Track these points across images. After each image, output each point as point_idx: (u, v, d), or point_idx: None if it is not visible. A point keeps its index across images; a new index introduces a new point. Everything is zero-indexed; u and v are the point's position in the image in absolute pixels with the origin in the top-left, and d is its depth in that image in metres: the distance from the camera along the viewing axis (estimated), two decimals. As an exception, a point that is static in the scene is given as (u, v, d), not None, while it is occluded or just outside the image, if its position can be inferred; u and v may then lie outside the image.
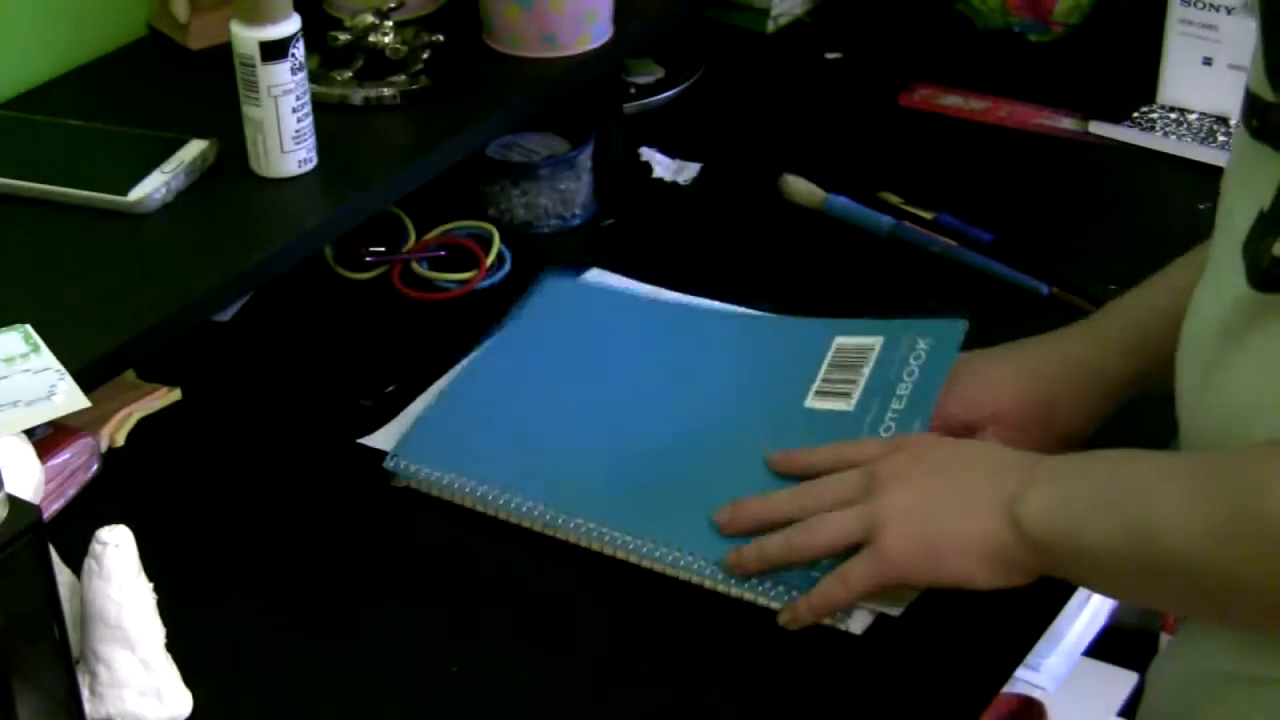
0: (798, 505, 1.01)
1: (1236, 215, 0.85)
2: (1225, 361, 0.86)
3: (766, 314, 1.24)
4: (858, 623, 1.00)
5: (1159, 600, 0.93)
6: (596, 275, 1.34)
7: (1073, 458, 0.94)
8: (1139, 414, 1.10)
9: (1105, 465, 0.92)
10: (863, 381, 1.12)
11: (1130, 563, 0.87)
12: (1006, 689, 1.03)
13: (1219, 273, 0.87)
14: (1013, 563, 0.93)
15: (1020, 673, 1.08)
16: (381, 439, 1.16)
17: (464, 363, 1.21)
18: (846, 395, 1.12)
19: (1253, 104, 0.83)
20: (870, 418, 1.09)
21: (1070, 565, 0.91)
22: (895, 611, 1.01)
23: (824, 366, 1.14)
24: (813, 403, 1.12)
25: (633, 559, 1.05)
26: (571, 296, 1.28)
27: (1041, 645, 1.13)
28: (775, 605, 1.01)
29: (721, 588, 1.02)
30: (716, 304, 1.27)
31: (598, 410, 1.15)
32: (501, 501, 1.09)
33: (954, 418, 1.07)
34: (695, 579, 1.03)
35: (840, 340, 1.16)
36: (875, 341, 1.15)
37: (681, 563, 1.03)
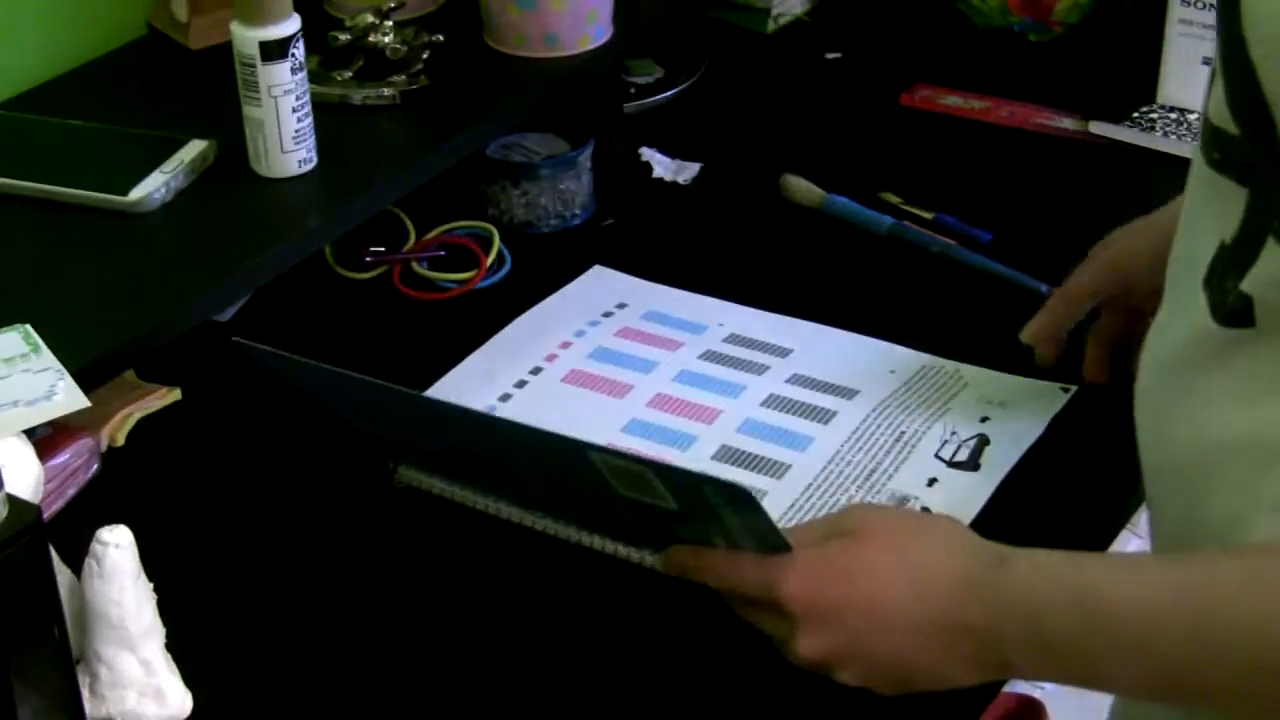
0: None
1: (1197, 245, 0.83)
2: (1189, 394, 0.85)
3: (509, 422, 1.10)
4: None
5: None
6: (598, 275, 1.34)
7: (1007, 584, 0.85)
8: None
9: (1067, 606, 0.82)
10: (666, 493, 0.93)
11: (1161, 700, 0.84)
12: (1006, 689, 1.03)
13: (1180, 301, 0.86)
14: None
15: (1020, 673, 1.09)
16: None
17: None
18: (660, 498, 0.94)
19: (1214, 136, 0.81)
20: (713, 528, 0.93)
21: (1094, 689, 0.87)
22: None
23: (606, 475, 0.94)
24: (627, 494, 0.95)
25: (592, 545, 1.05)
26: (286, 369, 1.07)
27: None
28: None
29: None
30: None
31: (454, 461, 1.08)
32: (481, 499, 1.09)
33: None
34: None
35: (597, 457, 0.93)
36: (641, 470, 0.92)
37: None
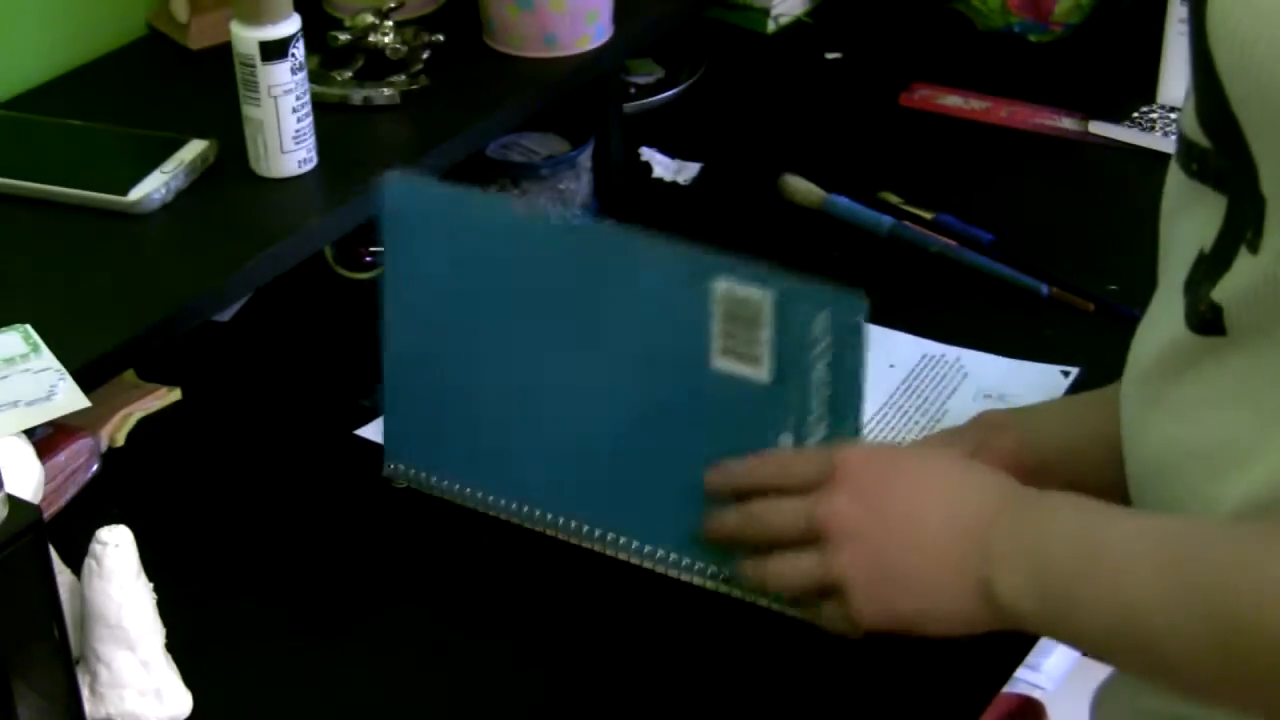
0: (747, 531, 0.97)
1: (1177, 253, 0.84)
2: (1163, 399, 0.85)
3: (632, 238, 1.08)
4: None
5: (1155, 679, 0.87)
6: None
7: (1034, 516, 0.88)
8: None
9: (1072, 536, 0.85)
10: (767, 345, 0.98)
11: (1118, 649, 0.85)
12: (1006, 689, 1.03)
13: (1160, 309, 0.86)
14: (998, 626, 0.90)
15: (1020, 673, 1.08)
16: (377, 430, 1.16)
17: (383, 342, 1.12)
18: (755, 359, 0.99)
19: (1189, 148, 0.81)
20: (793, 402, 0.98)
21: (1061, 641, 0.89)
22: None
23: (716, 319, 0.99)
24: (720, 364, 0.99)
25: (596, 548, 1.04)
26: (420, 211, 1.08)
27: (1042, 645, 1.13)
28: (791, 611, 1.00)
29: (672, 573, 1.02)
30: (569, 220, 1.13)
31: (515, 387, 1.07)
32: (490, 501, 1.08)
33: None
34: (710, 585, 1.03)
35: (723, 287, 0.99)
36: (763, 296, 0.98)
37: (631, 548, 1.03)
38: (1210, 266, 0.80)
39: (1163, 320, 0.85)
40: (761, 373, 0.98)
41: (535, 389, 1.06)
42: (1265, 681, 0.76)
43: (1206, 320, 0.80)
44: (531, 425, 1.06)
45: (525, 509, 1.07)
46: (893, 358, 1.22)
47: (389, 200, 1.07)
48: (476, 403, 1.08)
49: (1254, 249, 0.77)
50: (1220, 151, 0.78)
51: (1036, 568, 0.85)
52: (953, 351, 1.22)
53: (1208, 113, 0.78)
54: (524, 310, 1.05)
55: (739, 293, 0.98)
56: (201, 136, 1.23)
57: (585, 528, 1.05)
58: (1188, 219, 0.83)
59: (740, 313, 0.98)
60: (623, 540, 1.04)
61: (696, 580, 1.02)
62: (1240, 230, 0.78)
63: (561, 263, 1.04)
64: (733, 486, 0.98)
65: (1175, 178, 0.84)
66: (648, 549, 1.03)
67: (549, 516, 1.06)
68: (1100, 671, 0.95)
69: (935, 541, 0.89)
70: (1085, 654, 0.90)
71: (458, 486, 1.09)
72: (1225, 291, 0.79)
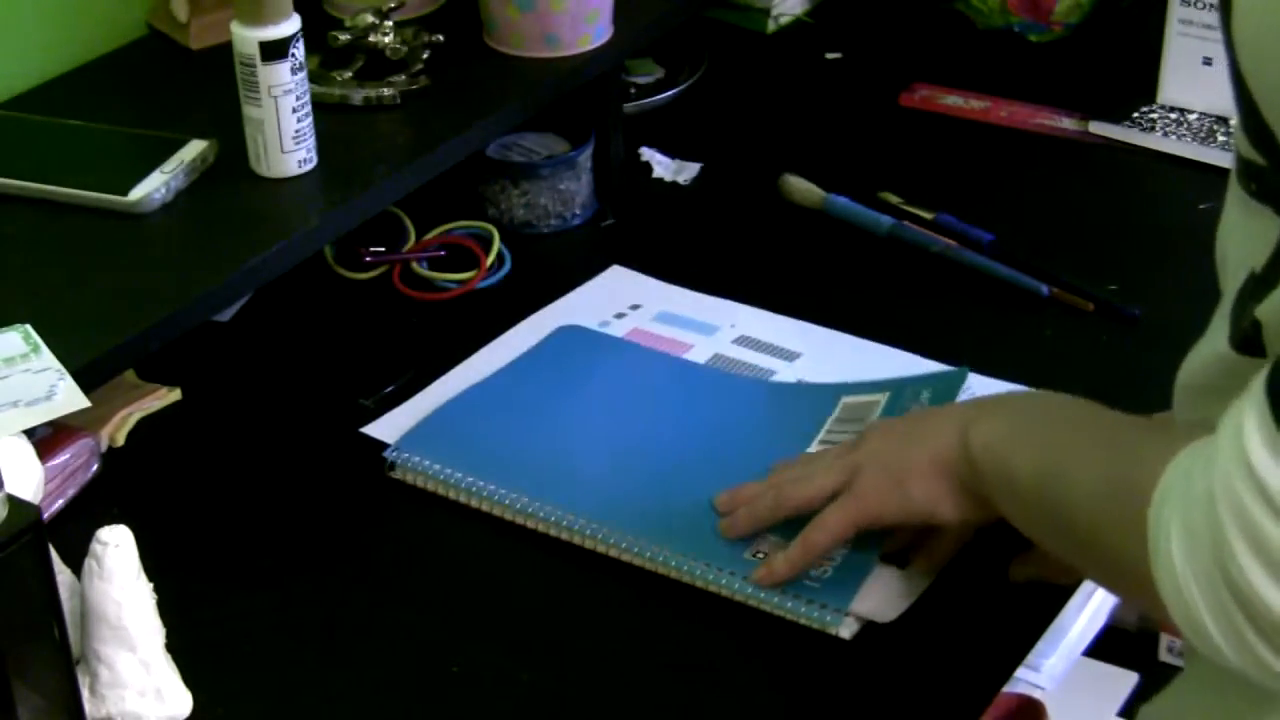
0: (791, 475, 1.06)
1: (1231, 272, 0.84)
2: (1211, 411, 0.86)
3: (781, 382, 1.21)
4: (847, 628, 1.00)
5: (1058, 546, 0.95)
6: (615, 275, 1.34)
7: (1032, 395, 1.01)
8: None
9: (1052, 407, 0.96)
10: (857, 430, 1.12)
11: (1037, 499, 0.90)
12: (1006, 689, 1.03)
13: (1215, 325, 0.87)
14: (963, 484, 0.97)
15: (1020, 673, 1.08)
16: (382, 429, 1.16)
17: (478, 380, 1.21)
18: (845, 435, 1.12)
19: (1246, 167, 0.81)
20: None
21: (999, 493, 0.95)
22: (885, 619, 1.01)
23: (830, 421, 1.15)
24: (814, 450, 1.13)
25: (637, 562, 1.05)
26: (582, 344, 1.25)
27: (1041, 645, 1.13)
28: (780, 613, 1.01)
29: (725, 591, 1.02)
30: (730, 373, 1.24)
31: (605, 441, 1.15)
32: (497, 497, 1.09)
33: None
34: (700, 583, 1.03)
35: (847, 399, 1.16)
36: (880, 398, 1.15)
37: (685, 566, 1.03)
38: (1258, 286, 0.80)
39: (1210, 339, 0.86)
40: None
41: (621, 447, 1.14)
42: (1128, 543, 0.79)
43: (1247, 338, 0.80)
44: (595, 465, 1.13)
45: (549, 511, 1.08)
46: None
47: (556, 338, 1.24)
48: (537, 437, 1.15)
49: None
50: (1275, 167, 0.78)
51: (1009, 419, 0.96)
52: (957, 374, 1.21)
53: (1250, 125, 0.77)
54: (631, 412, 1.18)
55: (859, 400, 1.16)
56: (201, 136, 1.23)
57: (614, 536, 1.06)
58: (1243, 239, 0.82)
59: (854, 415, 1.15)
60: (638, 547, 1.05)
61: (724, 589, 1.03)
62: None
63: (683, 396, 1.19)
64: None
65: (1234, 195, 0.84)
66: (685, 563, 1.04)
67: (580, 523, 1.07)
68: (1100, 672, 0.95)
69: (947, 409, 1.03)
70: (1010, 518, 0.95)
71: (469, 479, 1.09)
72: (1266, 308, 0.79)
